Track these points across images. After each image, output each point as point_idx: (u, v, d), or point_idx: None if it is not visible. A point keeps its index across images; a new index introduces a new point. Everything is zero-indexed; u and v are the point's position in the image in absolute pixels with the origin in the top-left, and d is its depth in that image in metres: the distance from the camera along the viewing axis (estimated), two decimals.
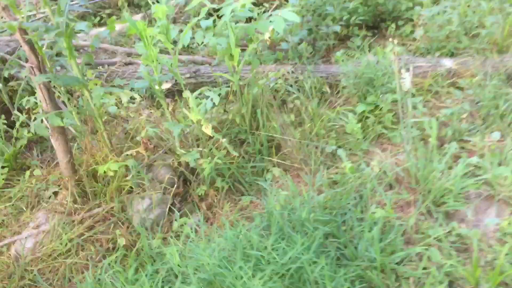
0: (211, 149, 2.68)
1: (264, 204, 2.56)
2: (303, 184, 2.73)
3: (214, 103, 2.67)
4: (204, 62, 3.96)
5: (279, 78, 3.28)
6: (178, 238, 2.49)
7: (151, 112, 3.03)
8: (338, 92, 3.36)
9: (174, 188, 2.71)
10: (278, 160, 2.82)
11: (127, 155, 2.73)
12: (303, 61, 3.59)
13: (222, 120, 2.99)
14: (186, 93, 2.63)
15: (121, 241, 2.45)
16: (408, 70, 2.41)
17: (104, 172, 2.54)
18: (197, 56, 4.03)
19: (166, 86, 3.27)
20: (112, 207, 2.62)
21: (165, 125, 2.50)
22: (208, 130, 2.57)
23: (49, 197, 2.85)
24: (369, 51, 3.67)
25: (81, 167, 2.71)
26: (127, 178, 2.67)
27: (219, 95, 2.71)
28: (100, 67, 3.75)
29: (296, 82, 3.34)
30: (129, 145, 2.87)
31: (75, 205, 2.65)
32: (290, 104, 3.18)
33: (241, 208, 2.63)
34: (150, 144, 2.72)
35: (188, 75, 3.61)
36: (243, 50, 2.91)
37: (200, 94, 2.77)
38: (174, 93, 3.69)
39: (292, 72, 3.42)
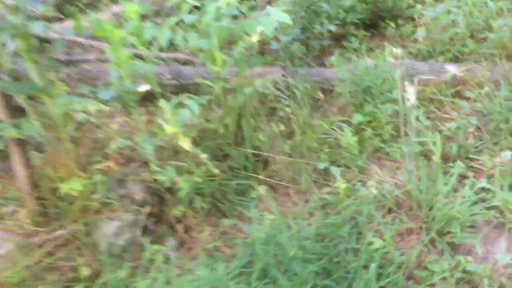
0: (189, 165, 2.39)
1: (247, 225, 2.28)
2: (292, 204, 2.45)
3: (193, 113, 2.37)
4: (188, 60, 3.64)
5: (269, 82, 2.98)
6: (151, 265, 2.20)
7: (125, 120, 2.72)
8: (332, 98, 3.08)
9: (148, 208, 2.41)
10: (265, 178, 2.54)
11: (96, 169, 2.43)
12: (295, 63, 3.29)
13: (203, 130, 2.69)
14: (162, 103, 2.33)
15: (84, 271, 2.16)
16: (412, 82, 2.12)
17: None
18: (180, 54, 3.70)
19: (144, 88, 2.96)
20: (77, 229, 2.32)
21: (136, 139, 2.21)
22: (185, 144, 2.28)
23: (12, 213, 2.54)
24: (367, 53, 3.38)
25: (43, 183, 2.41)
26: (95, 196, 2.37)
27: (199, 104, 2.41)
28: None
29: (287, 87, 3.04)
30: (98, 157, 2.56)
31: (35, 226, 2.34)
32: (280, 112, 2.89)
33: (222, 232, 2.35)
34: (120, 158, 2.42)
35: (169, 77, 3.30)
36: (229, 50, 2.62)
37: (179, 103, 2.47)
38: (155, 96, 3.38)
39: (283, 75, 3.12)
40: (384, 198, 2.34)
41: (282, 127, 2.76)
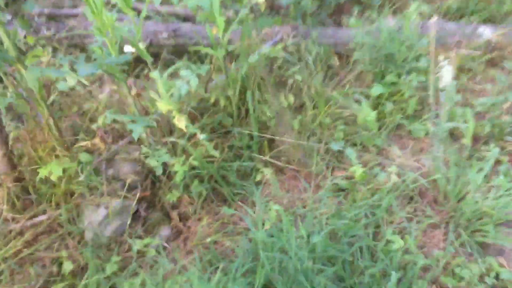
0: (184, 147, 2.10)
1: (250, 218, 2.03)
2: (301, 189, 2.18)
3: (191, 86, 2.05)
4: (188, 16, 3.27)
5: (277, 44, 2.63)
6: (141, 259, 1.97)
7: (114, 90, 2.40)
8: (348, 63, 2.73)
9: (139, 192, 2.15)
10: (271, 160, 2.25)
11: (80, 147, 2.16)
12: (307, 21, 2.92)
13: (202, 102, 2.38)
14: (154, 74, 2.01)
15: (68, 266, 1.93)
16: (449, 60, 1.79)
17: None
18: (179, 8, 3.32)
19: (129, 49, 2.62)
20: (60, 215, 2.08)
21: (124, 118, 1.91)
22: (181, 123, 1.98)
23: None
24: (390, 10, 2.99)
25: (22, 162, 2.14)
26: (80, 178, 2.11)
27: (198, 75, 2.09)
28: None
29: (297, 50, 2.69)
30: (84, 133, 2.28)
31: (13, 212, 2.10)
32: (290, 80, 2.55)
33: (222, 222, 2.09)
34: (107, 136, 2.14)
35: (165, 35, 2.95)
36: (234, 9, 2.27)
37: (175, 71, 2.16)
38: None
39: (294, 36, 2.77)
40: (406, 187, 2.06)
41: (292, 99, 2.44)
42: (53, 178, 1.95)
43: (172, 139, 2.09)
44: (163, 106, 1.97)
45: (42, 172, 1.95)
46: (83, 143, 2.17)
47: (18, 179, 2.15)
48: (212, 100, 2.31)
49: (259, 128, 2.31)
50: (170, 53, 3.00)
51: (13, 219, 2.10)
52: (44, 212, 2.12)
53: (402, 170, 2.14)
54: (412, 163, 2.18)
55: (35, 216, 2.11)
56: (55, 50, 2.83)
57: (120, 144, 2.26)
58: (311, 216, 2.00)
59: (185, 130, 2.00)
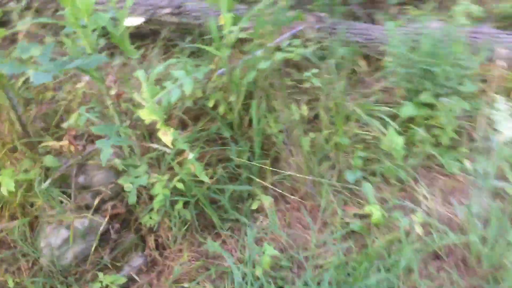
0: (170, 163, 1.73)
1: (240, 256, 1.69)
2: (305, 227, 1.82)
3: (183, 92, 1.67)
4: None
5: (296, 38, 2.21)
6: None
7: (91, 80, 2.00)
8: (377, 70, 2.31)
9: (110, 207, 1.81)
10: (273, 186, 1.88)
11: (45, 148, 1.80)
12: (335, 11, 2.48)
13: (198, 100, 1.99)
14: (139, 73, 1.63)
15: None
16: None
17: None
18: None
19: (136, 22, 2.22)
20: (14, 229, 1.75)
21: (93, 130, 1.54)
22: (167, 137, 1.60)
23: None
24: (434, 10, 2.53)
25: None
26: (42, 186, 1.76)
27: (195, 77, 1.70)
28: None
29: (319, 47, 2.28)
30: (55, 128, 1.92)
31: None
32: (306, 84, 2.15)
33: (206, 257, 1.75)
34: (79, 138, 1.78)
35: (167, 11, 2.53)
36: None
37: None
38: (148, 35, 2.63)
39: (318, 29, 2.34)
40: (432, 242, 1.69)
41: (305, 110, 2.05)
42: (4, 192, 1.60)
43: (153, 154, 1.72)
44: (145, 114, 1.60)
45: None
46: (50, 143, 1.81)
47: None
48: (210, 104, 1.93)
49: (263, 144, 1.93)
50: (172, 31, 2.59)
51: None
52: None
53: (428, 217, 1.76)
54: (441, 209, 1.80)
55: None
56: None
57: (94, 147, 1.89)
58: (311, 264, 1.66)
59: (171, 146, 1.63)
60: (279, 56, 1.88)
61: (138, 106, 1.73)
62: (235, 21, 1.74)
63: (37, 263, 1.71)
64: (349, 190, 1.89)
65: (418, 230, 1.71)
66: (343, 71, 2.17)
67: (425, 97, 2.02)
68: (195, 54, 2.49)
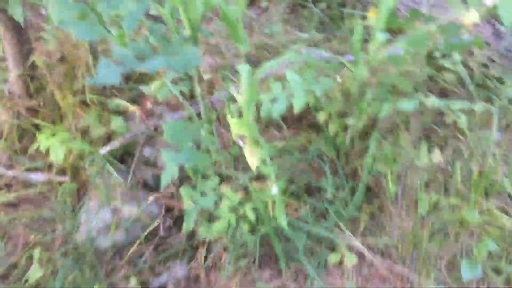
0: (247, 184, 1.38)
1: None
2: None
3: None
4: None
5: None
6: None
7: None
8: None
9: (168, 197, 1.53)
10: (360, 243, 1.48)
11: (118, 104, 1.51)
12: None
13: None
14: (241, 67, 1.23)
15: (34, 273, 1.40)
16: None
17: None
18: None
19: None
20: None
21: (163, 127, 1.19)
22: (252, 159, 1.24)
23: None
24: None
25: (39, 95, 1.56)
26: (101, 151, 1.50)
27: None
28: None
29: (483, 72, 1.73)
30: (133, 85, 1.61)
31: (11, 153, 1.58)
32: (448, 117, 1.64)
33: None
34: (154, 107, 1.45)
35: None
36: None
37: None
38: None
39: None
40: None
41: (438, 156, 1.56)
42: (53, 157, 1.35)
43: (230, 171, 1.37)
44: (235, 127, 1.22)
45: (41, 142, 1.35)
46: (122, 102, 1.51)
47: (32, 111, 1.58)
48: (321, 118, 1.50)
49: (368, 185, 1.51)
50: None
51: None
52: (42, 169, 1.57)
53: None
54: None
55: (29, 170, 1.57)
56: None
57: (172, 117, 1.58)
58: None
59: (254, 170, 1.26)
60: None
61: (233, 102, 1.35)
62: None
63: (71, 238, 1.49)
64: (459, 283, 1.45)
65: None
66: None
67: None
68: (324, 24, 2.03)
